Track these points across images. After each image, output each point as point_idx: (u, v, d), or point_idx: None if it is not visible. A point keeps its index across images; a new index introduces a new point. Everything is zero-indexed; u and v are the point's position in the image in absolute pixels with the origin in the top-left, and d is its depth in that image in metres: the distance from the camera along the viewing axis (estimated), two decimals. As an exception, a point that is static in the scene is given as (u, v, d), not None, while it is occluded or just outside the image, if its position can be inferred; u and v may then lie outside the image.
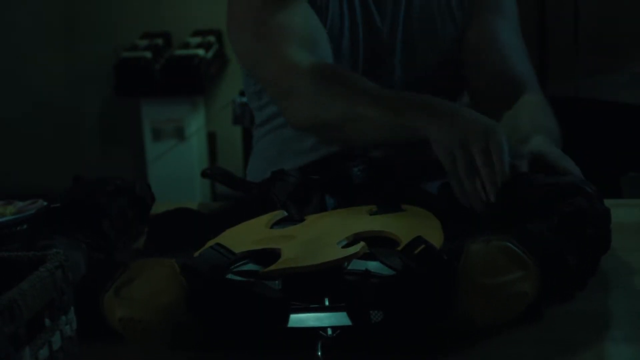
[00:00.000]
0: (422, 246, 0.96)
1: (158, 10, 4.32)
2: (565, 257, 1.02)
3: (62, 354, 0.85)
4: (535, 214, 1.08)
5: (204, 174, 1.43)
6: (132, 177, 1.38)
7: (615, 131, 3.05)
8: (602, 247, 1.11)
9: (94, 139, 4.47)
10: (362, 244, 1.01)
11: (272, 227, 1.17)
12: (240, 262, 1.02)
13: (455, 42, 1.63)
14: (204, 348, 0.95)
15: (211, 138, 4.27)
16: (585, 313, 1.04)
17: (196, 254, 1.03)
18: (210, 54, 4.06)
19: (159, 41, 4.17)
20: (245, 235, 1.12)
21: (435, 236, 1.05)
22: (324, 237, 1.07)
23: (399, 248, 1.00)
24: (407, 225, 1.10)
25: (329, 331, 0.93)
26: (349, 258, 0.98)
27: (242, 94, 3.31)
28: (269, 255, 1.03)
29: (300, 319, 0.94)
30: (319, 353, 0.92)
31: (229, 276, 0.98)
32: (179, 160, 4.01)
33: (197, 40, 4.13)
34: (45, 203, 1.40)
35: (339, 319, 0.93)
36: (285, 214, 1.21)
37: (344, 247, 1.03)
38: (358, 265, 0.98)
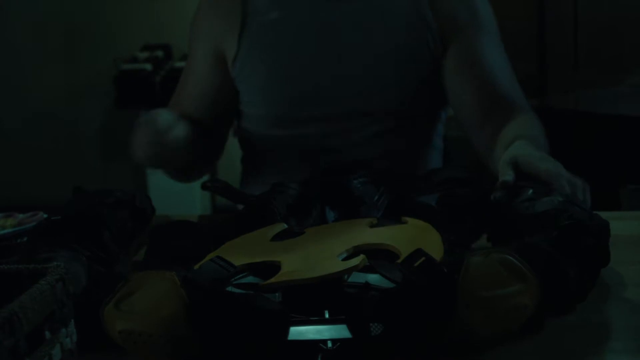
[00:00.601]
0: (422, 259, 0.96)
1: (158, 22, 4.33)
2: (565, 269, 1.02)
3: (62, 367, 0.85)
4: (535, 229, 1.09)
5: (204, 187, 1.43)
6: (132, 188, 1.38)
7: (614, 144, 3.05)
8: (601, 260, 1.11)
9: (95, 151, 4.47)
10: (362, 256, 1.01)
11: (272, 239, 1.17)
12: (241, 275, 1.02)
13: (432, 67, 1.64)
14: (204, 360, 0.95)
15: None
16: (585, 325, 1.04)
17: (197, 266, 1.03)
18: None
19: (159, 53, 4.17)
20: (246, 248, 1.12)
21: (435, 249, 1.05)
22: (324, 249, 1.08)
23: (399, 261, 1.00)
24: (407, 238, 1.10)
25: (329, 344, 0.93)
26: (349, 271, 0.99)
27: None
28: (269, 268, 1.03)
29: (300, 332, 0.94)
30: (319, 366, 0.92)
31: (230, 289, 0.98)
32: (179, 172, 4.00)
33: (197, 52, 4.13)
34: (45, 215, 1.40)
35: (339, 331, 0.93)
36: (286, 226, 1.21)
37: (344, 259, 1.03)
38: (358, 277, 0.98)
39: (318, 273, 0.98)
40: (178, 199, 4.01)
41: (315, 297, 0.96)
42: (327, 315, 0.95)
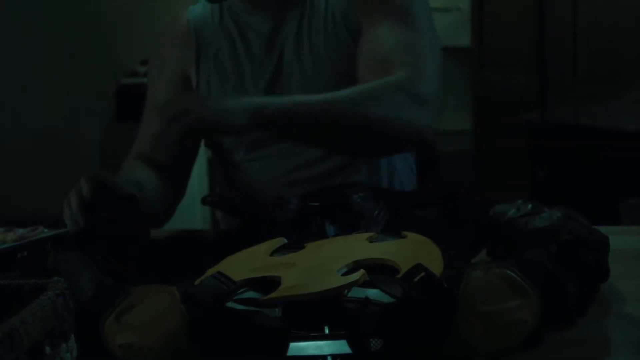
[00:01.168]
0: (422, 274, 0.96)
1: (158, 36, 4.34)
2: (565, 284, 1.02)
3: (62, 382, 0.85)
4: (534, 244, 1.09)
5: (204, 201, 1.43)
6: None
7: (614, 158, 3.06)
8: (601, 275, 1.11)
9: (95, 165, 4.47)
10: (362, 271, 1.01)
11: (272, 254, 1.17)
12: (241, 290, 1.02)
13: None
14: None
15: (212, 164, 4.27)
16: (585, 340, 1.03)
17: (197, 282, 1.03)
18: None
19: (160, 67, 4.17)
20: (246, 263, 1.12)
21: (435, 263, 1.05)
22: (324, 264, 1.08)
23: (399, 275, 1.00)
24: (407, 253, 1.10)
25: (329, 359, 0.93)
26: (349, 286, 0.99)
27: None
28: (269, 283, 1.03)
29: (300, 348, 0.94)
30: (319, 381, 0.92)
31: (230, 304, 0.98)
32: (179, 186, 4.00)
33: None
34: (45, 230, 1.40)
35: (338, 347, 0.93)
36: (286, 241, 1.21)
37: (344, 274, 1.03)
38: (358, 292, 0.98)
39: (318, 288, 0.98)
40: (178, 213, 4.01)
41: (315, 312, 0.96)
42: (327, 331, 0.95)
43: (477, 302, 0.94)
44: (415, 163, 1.88)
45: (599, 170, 3.08)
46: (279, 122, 1.39)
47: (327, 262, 1.08)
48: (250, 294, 1.02)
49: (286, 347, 0.93)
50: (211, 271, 1.07)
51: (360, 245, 1.16)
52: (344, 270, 1.05)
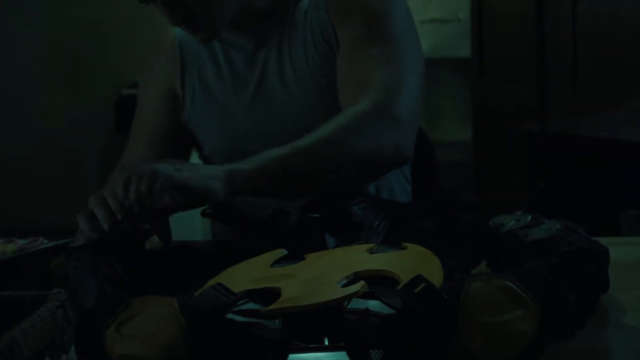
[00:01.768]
0: (423, 285, 0.96)
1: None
2: (565, 295, 1.02)
3: (62, 393, 0.85)
4: (534, 255, 1.09)
5: (204, 214, 1.44)
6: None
7: (614, 168, 3.06)
8: (601, 286, 1.11)
9: (95, 177, 4.47)
10: (362, 282, 1.01)
11: (272, 265, 1.17)
12: (241, 302, 1.02)
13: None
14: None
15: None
16: (585, 351, 1.04)
17: (197, 293, 1.03)
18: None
19: (160, 78, 4.18)
20: (246, 274, 1.12)
21: (435, 275, 1.05)
22: (324, 276, 1.08)
23: (399, 287, 1.00)
24: (407, 264, 1.10)
25: (329, 370, 0.93)
26: (349, 297, 0.99)
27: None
28: (269, 294, 1.03)
29: (300, 359, 0.94)
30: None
31: (230, 316, 0.98)
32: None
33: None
34: (46, 241, 1.40)
35: (339, 358, 0.93)
36: (286, 252, 1.22)
37: (344, 286, 1.03)
38: (358, 304, 0.98)
39: (318, 299, 0.98)
40: (178, 225, 4.01)
41: (315, 324, 0.97)
42: (327, 342, 0.95)
43: (477, 313, 0.94)
44: (411, 173, 1.88)
45: (599, 181, 3.09)
46: (253, 186, 1.38)
47: (327, 274, 1.08)
48: (250, 305, 1.02)
49: (286, 358, 0.93)
50: (211, 282, 1.07)
51: (360, 257, 1.16)
52: (344, 281, 1.05)
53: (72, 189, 4.43)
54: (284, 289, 1.04)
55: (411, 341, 0.93)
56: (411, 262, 1.12)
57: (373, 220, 1.30)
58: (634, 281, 1.26)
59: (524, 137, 3.53)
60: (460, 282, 0.97)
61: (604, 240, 1.15)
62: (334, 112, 1.60)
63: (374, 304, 0.98)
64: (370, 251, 1.18)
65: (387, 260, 1.13)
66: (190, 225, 3.97)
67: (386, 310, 0.97)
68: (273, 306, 0.99)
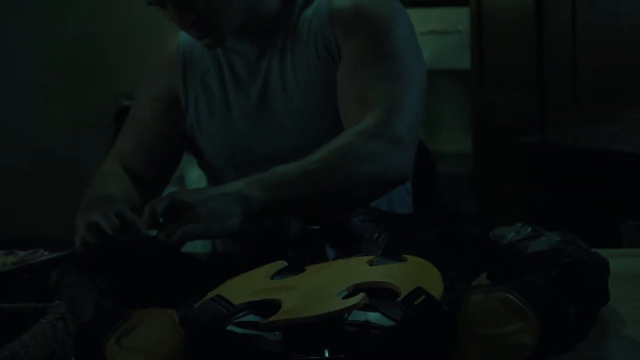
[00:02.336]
0: (423, 297, 0.96)
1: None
2: (565, 307, 1.02)
3: (62, 406, 0.85)
4: (534, 267, 1.09)
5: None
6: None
7: (614, 180, 3.06)
8: (601, 298, 1.11)
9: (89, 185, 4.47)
10: (362, 294, 1.01)
11: (272, 277, 1.17)
12: (241, 314, 1.02)
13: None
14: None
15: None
16: (585, 363, 1.04)
17: (197, 305, 1.04)
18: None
19: (160, 90, 4.18)
20: (246, 286, 1.12)
21: (435, 287, 1.05)
22: (324, 287, 1.08)
23: (399, 299, 1.00)
24: (407, 276, 1.10)
25: (330, 382, 0.93)
26: (349, 309, 0.99)
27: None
28: (269, 306, 1.04)
29: (300, 371, 0.94)
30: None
31: (230, 327, 0.99)
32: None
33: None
34: (46, 253, 1.41)
35: (339, 370, 0.93)
36: (286, 264, 1.22)
37: (344, 298, 1.03)
38: (358, 316, 0.98)
39: (318, 311, 0.98)
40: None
41: (315, 336, 0.97)
42: (327, 354, 0.95)
43: (477, 325, 0.94)
44: (412, 185, 1.88)
45: (599, 192, 3.09)
46: (267, 213, 1.41)
47: (327, 286, 1.08)
48: (251, 317, 1.02)
49: (286, 370, 0.93)
50: (211, 294, 1.07)
51: (360, 269, 1.16)
52: (344, 293, 1.05)
53: (72, 200, 4.43)
54: (284, 301, 1.04)
55: (411, 353, 0.93)
56: (411, 274, 1.12)
57: (373, 232, 1.31)
58: (634, 293, 1.25)
59: (524, 149, 3.54)
60: (461, 294, 0.97)
61: (603, 252, 1.15)
62: (334, 121, 1.61)
63: (374, 316, 0.98)
64: (371, 263, 1.18)
65: (387, 272, 1.13)
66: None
67: (386, 322, 0.97)
68: (273, 318, 0.99)
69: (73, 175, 4.47)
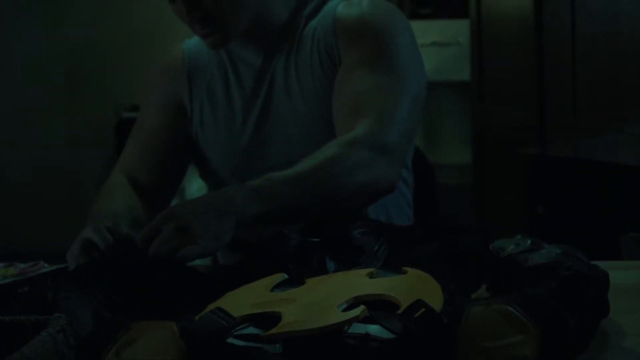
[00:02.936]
0: (423, 309, 0.96)
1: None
2: (565, 320, 1.02)
3: (62, 419, 0.85)
4: (534, 280, 1.09)
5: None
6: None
7: (614, 192, 3.06)
8: (601, 310, 1.11)
9: (95, 199, 4.47)
10: (362, 307, 1.01)
11: (272, 290, 1.17)
12: (242, 326, 1.02)
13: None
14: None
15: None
16: (586, 376, 1.04)
17: (197, 317, 1.04)
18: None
19: (160, 101, 4.19)
20: (246, 299, 1.12)
21: (435, 299, 1.05)
22: (324, 300, 1.08)
23: (399, 311, 1.00)
24: (408, 288, 1.10)
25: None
26: (349, 322, 0.99)
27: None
28: (269, 319, 1.04)
29: (301, 383, 0.94)
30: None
31: (230, 340, 0.99)
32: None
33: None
34: (46, 265, 1.40)
35: (339, 383, 0.93)
36: (286, 276, 1.22)
37: (344, 310, 1.03)
38: (358, 328, 0.98)
39: (318, 324, 0.98)
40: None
41: (315, 348, 0.97)
42: (327, 367, 0.95)
43: (477, 337, 0.94)
44: (412, 197, 1.88)
45: (599, 204, 3.08)
46: (260, 224, 1.43)
47: (327, 298, 1.08)
48: (251, 330, 1.02)
49: (286, 383, 0.93)
50: (211, 307, 1.07)
51: (360, 281, 1.16)
52: (345, 306, 1.05)
53: (73, 211, 4.43)
54: (284, 314, 1.04)
55: (411, 366, 0.93)
56: (411, 286, 1.12)
57: (373, 245, 1.31)
58: (634, 305, 1.25)
59: (524, 160, 3.54)
60: (461, 306, 0.97)
61: (603, 264, 1.15)
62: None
63: (374, 329, 0.98)
64: (371, 275, 1.18)
65: (387, 285, 1.13)
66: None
67: (386, 334, 0.97)
68: (273, 331, 0.99)
69: (73, 186, 4.47)
